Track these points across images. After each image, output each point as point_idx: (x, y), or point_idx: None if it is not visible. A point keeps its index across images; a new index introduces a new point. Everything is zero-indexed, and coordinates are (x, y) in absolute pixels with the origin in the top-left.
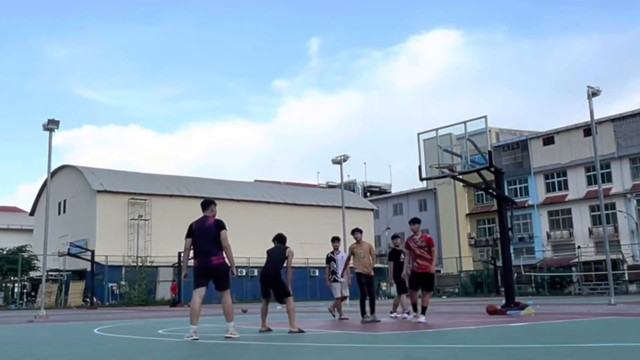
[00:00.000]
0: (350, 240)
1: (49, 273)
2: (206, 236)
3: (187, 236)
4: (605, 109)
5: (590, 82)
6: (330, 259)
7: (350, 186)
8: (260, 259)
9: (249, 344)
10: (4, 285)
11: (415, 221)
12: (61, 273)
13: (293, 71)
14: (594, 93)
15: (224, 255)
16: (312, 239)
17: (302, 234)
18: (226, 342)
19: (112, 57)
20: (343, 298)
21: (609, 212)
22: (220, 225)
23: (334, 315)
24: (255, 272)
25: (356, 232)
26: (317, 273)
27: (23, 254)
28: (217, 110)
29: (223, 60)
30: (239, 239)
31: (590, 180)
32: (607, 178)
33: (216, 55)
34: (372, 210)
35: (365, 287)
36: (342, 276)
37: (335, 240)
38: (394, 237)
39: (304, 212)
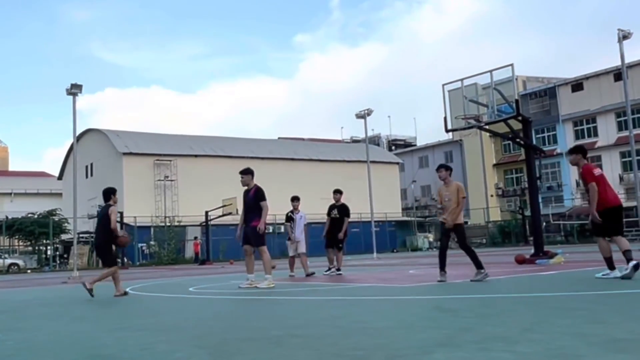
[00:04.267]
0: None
1: (80, 235)
2: None
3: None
4: (637, 52)
5: (621, 25)
6: (289, 219)
7: (374, 140)
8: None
9: (278, 298)
10: (37, 248)
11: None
12: (92, 235)
13: (314, 25)
14: (624, 36)
15: None
16: None
17: (326, 190)
18: (256, 297)
19: (131, 18)
20: (297, 256)
21: None
22: None
23: (290, 275)
24: (282, 229)
25: (441, 169)
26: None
27: (54, 217)
28: (238, 67)
29: (243, 16)
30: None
31: (621, 126)
32: (638, 123)
33: (235, 11)
34: (398, 163)
35: (446, 239)
36: (298, 235)
37: (294, 199)
38: (335, 192)
39: (329, 168)
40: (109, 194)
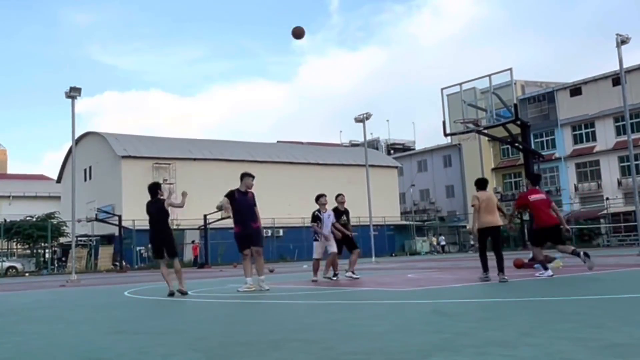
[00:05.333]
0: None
1: (78, 238)
2: None
3: None
4: (636, 57)
5: (619, 30)
6: (316, 218)
7: (373, 144)
8: (285, 219)
9: (276, 302)
10: (35, 251)
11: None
12: (90, 238)
13: (314, 28)
14: (623, 41)
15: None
16: None
17: (326, 194)
18: (254, 301)
19: (130, 21)
20: (323, 256)
21: (639, 162)
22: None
23: (330, 277)
24: (281, 232)
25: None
26: None
27: (52, 220)
28: (238, 71)
29: (242, 20)
30: (263, 200)
31: (619, 131)
32: (637, 128)
33: (235, 15)
34: (396, 167)
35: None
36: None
37: (321, 197)
38: (339, 195)
39: (328, 172)
40: (156, 188)
